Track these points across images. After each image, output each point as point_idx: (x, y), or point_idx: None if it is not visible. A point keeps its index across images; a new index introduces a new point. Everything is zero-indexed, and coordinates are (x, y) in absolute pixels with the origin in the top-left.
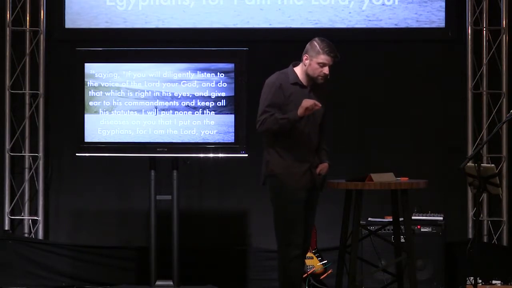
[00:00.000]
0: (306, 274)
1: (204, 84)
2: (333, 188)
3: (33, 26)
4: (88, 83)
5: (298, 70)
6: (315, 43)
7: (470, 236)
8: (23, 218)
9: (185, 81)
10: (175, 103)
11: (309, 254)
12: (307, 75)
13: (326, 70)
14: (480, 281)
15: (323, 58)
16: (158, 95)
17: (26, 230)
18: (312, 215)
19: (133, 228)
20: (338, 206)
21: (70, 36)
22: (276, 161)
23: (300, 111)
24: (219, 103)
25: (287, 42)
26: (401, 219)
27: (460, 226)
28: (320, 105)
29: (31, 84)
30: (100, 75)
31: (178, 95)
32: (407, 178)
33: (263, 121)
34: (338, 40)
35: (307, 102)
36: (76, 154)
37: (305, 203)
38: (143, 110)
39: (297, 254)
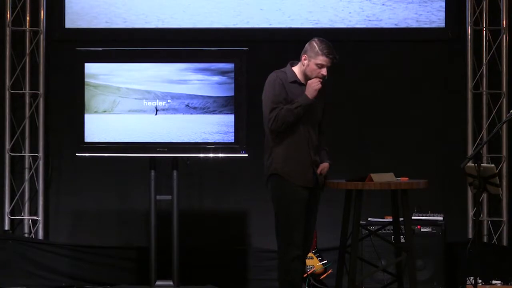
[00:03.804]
0: (306, 274)
1: (204, 84)
2: (333, 188)
3: (33, 26)
4: (88, 83)
5: (296, 69)
6: (314, 44)
7: (470, 236)
8: (23, 218)
9: (185, 81)
10: (175, 103)
11: (309, 254)
12: (305, 75)
13: (324, 71)
14: (480, 281)
15: (321, 59)
16: (158, 95)
17: (26, 230)
18: (314, 215)
19: (133, 228)
20: (338, 206)
21: (70, 36)
22: (279, 160)
23: (312, 93)
24: (219, 103)
25: (287, 42)
26: (401, 219)
27: (460, 226)
28: (322, 80)
29: (31, 84)
30: (100, 75)
31: (178, 95)
32: (407, 178)
33: (276, 117)
34: (338, 40)
35: (315, 84)
36: (76, 154)
37: (307, 202)
38: (143, 110)
39: (297, 254)
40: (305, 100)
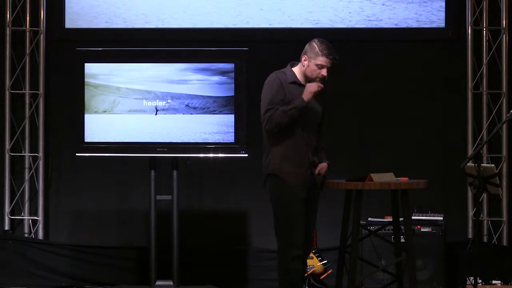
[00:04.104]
0: (306, 274)
1: (204, 84)
2: (333, 188)
3: (33, 26)
4: (88, 83)
5: (296, 70)
6: (314, 45)
7: (470, 236)
8: (23, 218)
9: (185, 81)
10: (175, 103)
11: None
12: (305, 75)
13: (324, 72)
14: (480, 281)
15: (321, 60)
16: (158, 95)
17: (26, 230)
18: (313, 215)
19: (133, 228)
20: (338, 206)
21: (70, 36)
22: (277, 161)
23: (308, 96)
24: (219, 103)
25: (287, 42)
26: (401, 219)
27: (460, 226)
28: (323, 85)
29: (31, 84)
30: (100, 75)
31: (178, 95)
32: (407, 178)
33: (269, 118)
34: (338, 40)
35: (312, 87)
36: (76, 154)
37: (305, 202)
38: (143, 110)
39: (298, 254)
40: (300, 102)
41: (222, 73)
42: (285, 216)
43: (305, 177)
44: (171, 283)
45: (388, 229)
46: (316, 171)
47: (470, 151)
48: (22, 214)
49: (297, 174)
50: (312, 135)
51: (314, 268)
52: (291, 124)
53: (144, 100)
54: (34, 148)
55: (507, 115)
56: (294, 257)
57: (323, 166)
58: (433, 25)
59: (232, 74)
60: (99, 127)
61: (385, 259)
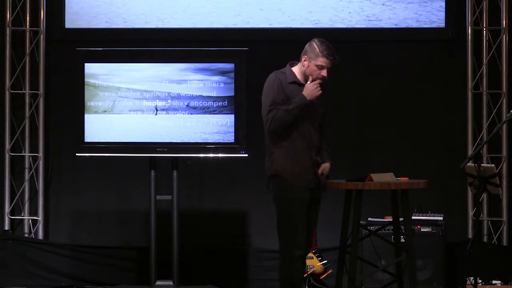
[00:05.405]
0: (306, 274)
1: (204, 84)
2: (333, 188)
3: (33, 26)
4: (88, 83)
5: (296, 69)
6: (314, 45)
7: (470, 236)
8: (23, 218)
9: (185, 81)
10: (175, 103)
11: (309, 254)
12: (305, 75)
13: (324, 73)
14: (480, 281)
15: (322, 61)
16: (158, 95)
17: (26, 230)
18: (315, 216)
19: (133, 228)
20: (338, 206)
21: (70, 36)
22: (280, 161)
23: (311, 97)
24: (219, 103)
25: (287, 42)
26: (401, 219)
27: (460, 226)
28: (320, 84)
29: (31, 84)
30: (100, 75)
31: (178, 95)
32: (407, 178)
33: (273, 119)
34: (338, 40)
35: (316, 91)
36: (76, 154)
37: (309, 202)
38: (143, 110)
39: (300, 255)
40: (301, 100)
41: (222, 73)
42: (288, 217)
43: (309, 177)
44: (171, 283)
45: (388, 229)
46: (319, 171)
47: (470, 151)
48: (22, 214)
49: (300, 174)
50: (314, 135)
51: (314, 268)
52: (295, 122)
53: (144, 100)
54: (34, 148)
55: (507, 115)
56: (296, 257)
57: (326, 166)
58: (433, 25)
59: (232, 74)
60: (99, 127)
61: (385, 259)
